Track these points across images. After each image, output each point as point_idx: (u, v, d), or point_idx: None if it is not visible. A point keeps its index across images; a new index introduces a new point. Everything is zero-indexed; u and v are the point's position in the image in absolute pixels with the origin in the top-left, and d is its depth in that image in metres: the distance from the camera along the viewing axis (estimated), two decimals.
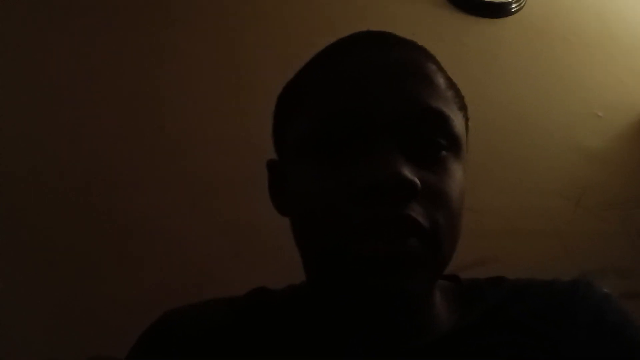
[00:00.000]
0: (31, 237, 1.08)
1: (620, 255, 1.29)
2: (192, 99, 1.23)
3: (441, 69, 0.55)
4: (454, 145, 0.51)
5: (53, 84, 1.19)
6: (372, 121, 0.48)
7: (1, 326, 1.01)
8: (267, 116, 0.64)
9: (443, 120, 0.50)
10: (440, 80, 0.53)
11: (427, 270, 0.48)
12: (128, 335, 0.62)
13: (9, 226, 1.08)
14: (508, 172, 1.32)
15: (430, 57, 0.55)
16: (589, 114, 1.41)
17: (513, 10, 1.46)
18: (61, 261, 1.07)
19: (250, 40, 1.29)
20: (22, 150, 1.14)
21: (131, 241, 1.10)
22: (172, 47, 1.26)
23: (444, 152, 0.50)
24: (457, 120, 0.52)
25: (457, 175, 0.51)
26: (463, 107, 0.56)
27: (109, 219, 1.11)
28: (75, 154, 1.15)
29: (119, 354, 0.61)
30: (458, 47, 1.39)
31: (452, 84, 0.55)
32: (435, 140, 0.50)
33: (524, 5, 1.47)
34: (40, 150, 1.14)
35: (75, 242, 1.09)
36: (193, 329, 0.59)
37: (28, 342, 1.00)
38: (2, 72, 1.17)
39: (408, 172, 0.45)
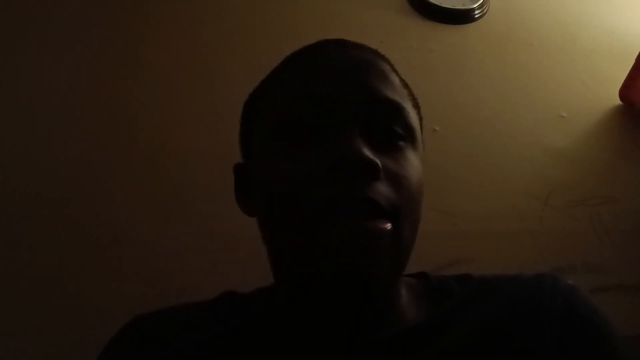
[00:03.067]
0: (7, 249, 1.06)
1: (589, 251, 1.31)
2: (166, 110, 1.23)
3: (395, 70, 0.58)
4: (411, 136, 0.55)
5: (28, 97, 1.18)
6: (336, 107, 0.51)
7: None
8: None
9: (400, 111, 0.54)
10: (395, 79, 0.57)
11: (390, 253, 0.49)
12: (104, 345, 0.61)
13: None
14: (478, 175, 1.33)
15: (385, 59, 0.59)
16: (553, 115, 1.44)
17: (476, 16, 1.50)
18: (35, 271, 1.05)
19: (222, 51, 1.31)
20: None
21: (108, 252, 1.09)
22: (146, 59, 1.26)
23: (401, 142, 0.53)
24: (412, 114, 0.56)
25: (415, 164, 0.54)
26: (417, 106, 0.60)
27: (84, 230, 1.09)
28: (51, 165, 1.13)
29: None
30: (424, 54, 1.41)
31: (405, 84, 0.59)
32: (393, 129, 0.53)
33: (486, 11, 1.51)
34: (15, 161, 1.13)
35: (50, 254, 1.06)
36: (164, 331, 0.59)
37: (7, 355, 0.98)
38: None
39: (370, 153, 0.48)
